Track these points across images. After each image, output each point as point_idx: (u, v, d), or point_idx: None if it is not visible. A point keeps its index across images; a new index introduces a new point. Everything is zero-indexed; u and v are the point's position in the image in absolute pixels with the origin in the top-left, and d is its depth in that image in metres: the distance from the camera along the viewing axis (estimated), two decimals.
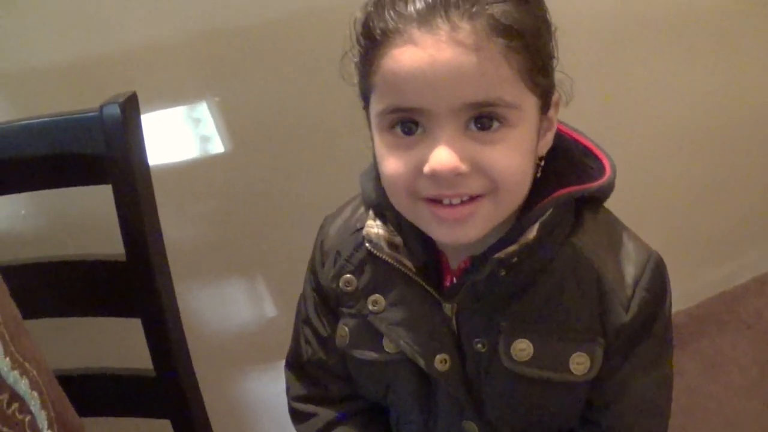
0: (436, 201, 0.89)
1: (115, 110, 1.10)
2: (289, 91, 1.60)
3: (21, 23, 1.37)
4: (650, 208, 2.26)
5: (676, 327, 2.34)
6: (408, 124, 0.87)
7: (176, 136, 1.59)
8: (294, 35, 1.55)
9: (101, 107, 1.11)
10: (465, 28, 0.81)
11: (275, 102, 1.61)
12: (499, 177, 0.86)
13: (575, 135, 1.02)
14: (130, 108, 1.12)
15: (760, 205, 2.58)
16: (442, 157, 0.84)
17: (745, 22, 2.21)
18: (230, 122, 1.61)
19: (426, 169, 0.85)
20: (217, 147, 1.63)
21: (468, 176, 0.85)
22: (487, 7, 0.82)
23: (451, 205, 0.88)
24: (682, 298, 2.48)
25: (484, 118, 0.84)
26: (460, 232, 0.90)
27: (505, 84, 0.83)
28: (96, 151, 1.12)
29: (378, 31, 0.85)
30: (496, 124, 0.85)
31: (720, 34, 2.18)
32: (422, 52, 0.81)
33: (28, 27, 1.38)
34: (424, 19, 0.82)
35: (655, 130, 2.21)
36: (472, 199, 0.88)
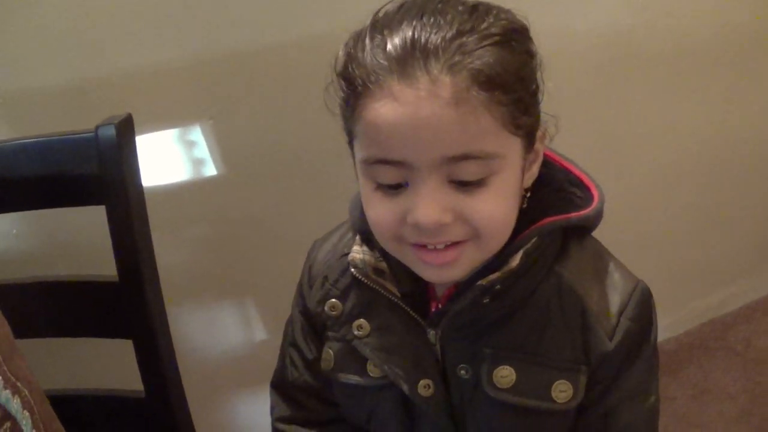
0: (421, 245, 0.89)
1: (110, 131, 1.11)
2: (284, 116, 1.62)
3: (18, 45, 1.39)
4: (642, 237, 2.27)
5: (666, 354, 2.37)
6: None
7: (170, 159, 1.60)
8: (289, 61, 1.57)
9: (97, 128, 1.12)
10: (445, 81, 0.80)
11: (270, 126, 1.63)
12: (480, 225, 0.87)
13: (565, 163, 1.02)
14: (126, 129, 1.13)
15: (750, 235, 2.60)
16: (425, 211, 0.84)
17: (738, 57, 2.23)
18: (224, 146, 1.62)
19: (410, 220, 0.86)
20: (210, 171, 1.65)
21: (451, 225, 0.86)
22: (468, 58, 0.80)
23: (436, 249, 0.89)
24: (672, 326, 2.50)
25: None
26: (445, 273, 0.92)
27: (487, 135, 0.83)
28: (91, 171, 1.13)
29: (359, 81, 0.84)
30: None
31: (713, 69, 2.20)
32: (402, 108, 0.80)
33: (25, 48, 1.39)
34: (404, 70, 0.80)
35: (647, 162, 2.23)
36: (456, 243, 0.89)
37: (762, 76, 2.34)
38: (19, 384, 0.91)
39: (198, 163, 1.62)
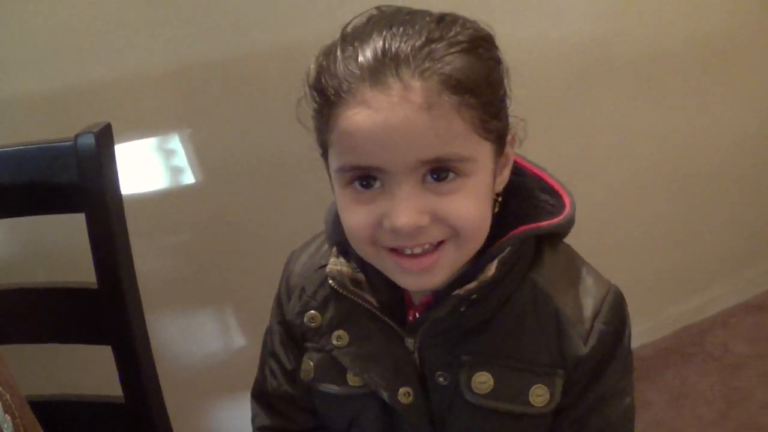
0: (398, 250, 0.91)
1: (89, 140, 1.11)
2: (261, 124, 1.63)
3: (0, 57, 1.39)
4: (619, 243, 2.29)
5: (643, 359, 2.38)
6: (366, 178, 0.88)
7: (149, 167, 1.60)
8: (267, 69, 1.58)
9: (76, 137, 1.12)
10: (417, 87, 0.81)
11: (247, 135, 1.64)
12: (458, 224, 0.88)
13: (537, 171, 1.03)
14: (105, 138, 1.14)
15: (726, 241, 2.63)
16: (402, 214, 0.85)
17: (711, 64, 2.26)
18: (203, 154, 1.63)
19: (387, 225, 0.87)
20: (188, 178, 1.65)
21: (428, 226, 0.87)
22: (438, 64, 0.82)
23: (413, 255, 0.90)
24: (649, 331, 2.51)
25: (440, 170, 0.86)
26: (424, 280, 0.93)
27: (459, 138, 0.84)
28: (70, 179, 1.13)
29: (331, 91, 0.85)
30: (451, 175, 0.86)
31: (685, 76, 2.23)
32: (376, 114, 0.82)
33: (4, 57, 1.40)
34: (376, 78, 0.82)
35: (623, 169, 2.25)
36: (435, 246, 0.90)
37: (733, 83, 2.37)
38: (0, 388, 0.92)
39: (176, 170, 1.63)
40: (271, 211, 1.72)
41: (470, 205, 0.88)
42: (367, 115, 0.83)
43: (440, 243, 0.90)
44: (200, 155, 1.63)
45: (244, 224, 1.72)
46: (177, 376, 1.56)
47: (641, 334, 2.44)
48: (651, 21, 2.06)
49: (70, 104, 1.46)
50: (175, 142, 1.60)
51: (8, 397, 0.93)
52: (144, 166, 1.59)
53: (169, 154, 1.60)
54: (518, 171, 1.02)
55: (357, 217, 0.90)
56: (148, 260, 1.31)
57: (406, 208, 0.86)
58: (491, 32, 0.92)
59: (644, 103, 2.18)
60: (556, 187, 1.01)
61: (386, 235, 0.89)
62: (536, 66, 1.85)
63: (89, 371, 1.38)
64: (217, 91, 1.58)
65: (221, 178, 1.67)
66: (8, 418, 0.92)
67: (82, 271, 1.20)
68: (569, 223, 0.98)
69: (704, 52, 2.22)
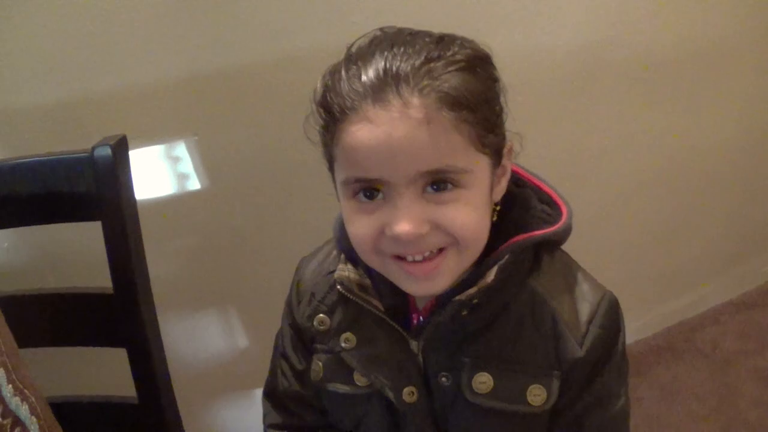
0: (402, 257, 0.95)
1: (106, 151, 1.15)
2: (265, 131, 1.65)
3: (7, 65, 1.42)
4: (612, 243, 2.32)
5: (634, 356, 2.40)
6: (370, 190, 0.92)
7: (158, 174, 1.63)
8: (270, 80, 1.61)
9: (93, 149, 1.16)
10: (416, 103, 0.86)
11: (252, 142, 1.67)
12: (457, 233, 0.92)
13: (536, 181, 1.07)
14: (121, 150, 1.17)
15: (716, 240, 2.66)
16: (402, 222, 0.90)
17: (701, 71, 2.29)
18: (209, 161, 1.66)
19: (389, 233, 0.92)
20: (195, 185, 1.68)
21: (429, 235, 0.92)
22: (437, 82, 0.87)
23: (416, 261, 0.94)
24: (640, 329, 2.55)
25: (439, 182, 0.90)
26: (428, 285, 0.97)
27: (457, 152, 0.88)
28: (87, 189, 1.17)
29: (336, 108, 0.90)
30: (450, 186, 0.91)
31: (677, 82, 2.25)
32: (377, 129, 0.87)
33: (16, 69, 1.43)
34: (377, 95, 0.86)
35: (616, 171, 2.28)
36: (436, 253, 0.94)
37: (724, 89, 2.39)
38: (26, 391, 0.95)
39: (183, 177, 1.65)
40: (276, 216, 1.75)
41: (468, 214, 0.92)
42: (369, 130, 0.87)
43: (441, 250, 0.95)
44: (208, 163, 1.65)
45: (251, 229, 1.75)
46: (187, 376, 1.58)
47: (633, 331, 2.48)
48: (643, 28, 2.08)
49: (81, 114, 1.48)
50: (181, 150, 1.63)
51: (33, 399, 0.97)
52: (152, 174, 1.62)
53: (175, 161, 1.63)
54: (518, 181, 1.06)
55: (361, 227, 0.95)
56: (158, 264, 1.34)
57: (407, 217, 0.90)
58: (489, 52, 0.96)
59: (636, 109, 2.21)
60: (554, 197, 1.05)
61: (389, 243, 0.94)
62: (530, 73, 1.88)
63: (104, 373, 1.41)
64: (226, 100, 1.61)
65: (229, 185, 1.69)
66: (34, 419, 0.96)
67: (95, 277, 1.23)
68: (565, 231, 1.03)
69: (695, 59, 2.24)
